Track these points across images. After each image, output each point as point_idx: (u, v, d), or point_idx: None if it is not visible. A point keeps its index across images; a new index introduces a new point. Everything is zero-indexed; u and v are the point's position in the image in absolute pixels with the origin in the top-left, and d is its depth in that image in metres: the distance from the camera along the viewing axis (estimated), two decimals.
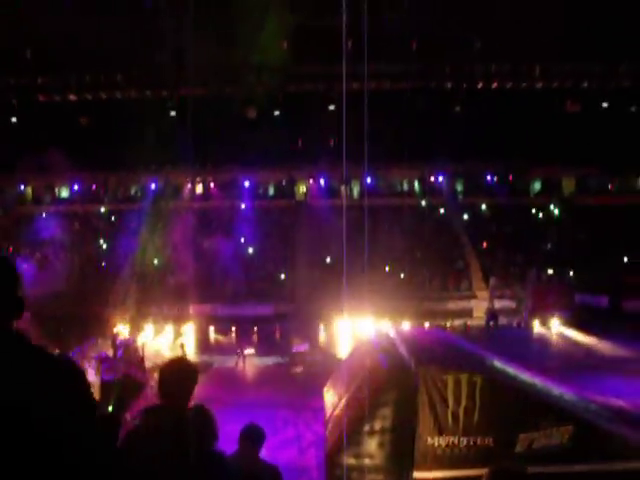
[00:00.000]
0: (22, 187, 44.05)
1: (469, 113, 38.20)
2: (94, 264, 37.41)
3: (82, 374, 2.50)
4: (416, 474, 11.02)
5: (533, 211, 41.62)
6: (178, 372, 3.81)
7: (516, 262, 36.40)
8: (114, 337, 25.81)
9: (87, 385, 2.44)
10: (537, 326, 28.64)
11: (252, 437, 6.06)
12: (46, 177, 42.83)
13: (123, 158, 36.68)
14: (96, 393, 15.67)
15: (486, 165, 42.35)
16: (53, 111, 36.75)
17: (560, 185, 44.09)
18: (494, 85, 38.84)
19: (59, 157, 37.19)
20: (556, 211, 41.53)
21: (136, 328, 27.18)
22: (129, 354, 23.06)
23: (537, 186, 44.67)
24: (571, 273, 33.75)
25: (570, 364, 20.19)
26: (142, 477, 3.06)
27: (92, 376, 16.72)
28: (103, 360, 21.07)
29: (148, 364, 22.48)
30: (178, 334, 27.72)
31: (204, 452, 3.68)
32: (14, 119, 37.76)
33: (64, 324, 28.89)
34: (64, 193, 44.89)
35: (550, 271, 34.11)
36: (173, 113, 37.06)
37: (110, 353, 23.57)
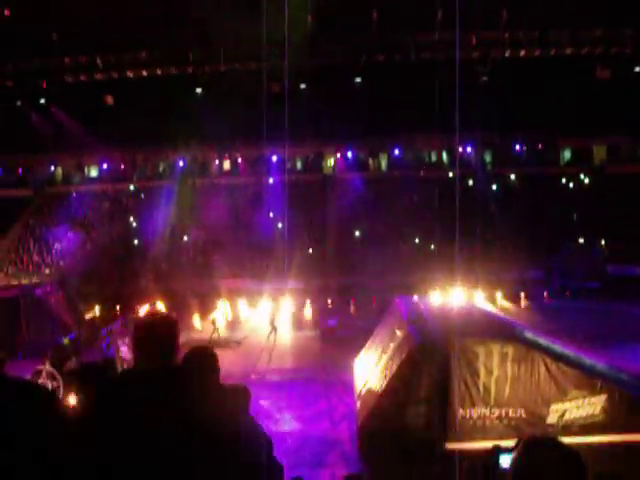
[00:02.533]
0: (52, 167, 44.52)
1: (497, 82, 37.66)
2: (124, 242, 37.79)
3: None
4: (448, 445, 11.10)
5: (563, 181, 41.11)
6: (158, 326, 3.12)
7: (546, 233, 36.08)
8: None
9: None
10: (567, 296, 28.46)
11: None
12: (75, 157, 43.23)
13: (150, 136, 36.83)
14: None
15: (515, 135, 41.85)
16: (80, 91, 36.92)
17: (591, 154, 43.43)
18: (522, 53, 38.15)
19: (88, 137, 37.52)
20: (587, 180, 40.99)
21: (168, 304, 27.47)
22: None
23: (567, 155, 44.07)
24: (602, 243, 33.38)
25: (602, 334, 20.05)
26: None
27: (126, 353, 16.96)
28: None
29: (181, 340, 22.74)
30: (210, 310, 27.97)
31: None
32: (42, 100, 38.00)
33: (98, 302, 29.43)
34: (93, 172, 45.29)
35: (581, 241, 33.77)
36: (199, 90, 37.01)
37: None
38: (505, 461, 7.53)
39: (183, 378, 2.98)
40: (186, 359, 3.88)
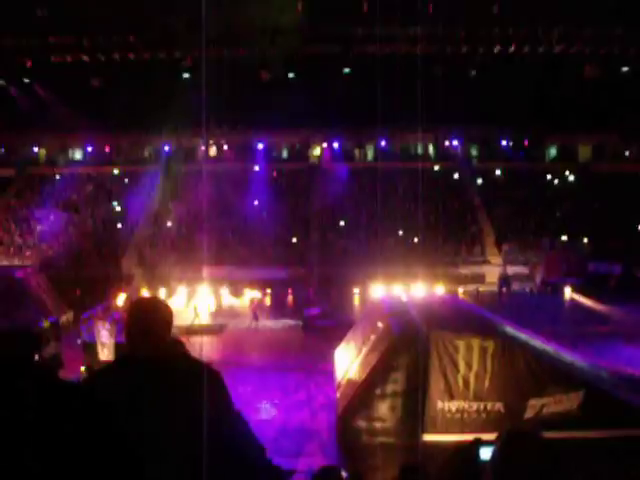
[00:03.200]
0: (35, 148, 44.08)
1: (485, 77, 37.70)
2: (107, 226, 37.56)
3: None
4: (426, 437, 11.12)
5: (548, 177, 41.30)
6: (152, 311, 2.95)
7: (530, 228, 36.27)
8: (128, 299, 25.99)
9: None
10: (549, 293, 28.62)
11: None
12: (60, 139, 42.86)
13: (136, 120, 36.62)
14: (111, 354, 15.86)
15: (501, 130, 41.99)
16: (66, 72, 36.56)
17: (576, 151, 43.69)
18: (511, 49, 38.17)
19: (73, 119, 37.19)
20: (571, 177, 41.20)
21: (150, 290, 27.34)
22: None
23: (553, 152, 44.29)
24: (585, 240, 33.58)
25: (582, 331, 20.17)
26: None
27: (106, 338, 16.83)
28: (117, 322, 21.24)
29: None
30: (192, 296, 27.86)
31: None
32: (27, 80, 37.63)
33: (79, 286, 29.21)
34: (77, 155, 44.94)
35: (564, 238, 33.96)
36: (186, 75, 36.78)
37: (124, 315, 23.75)
38: (485, 454, 7.55)
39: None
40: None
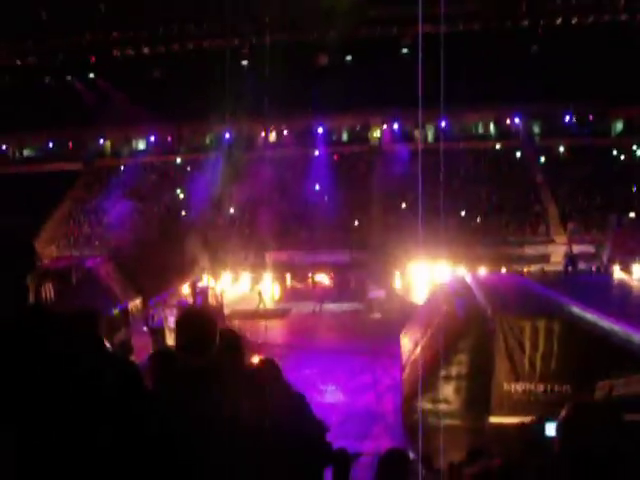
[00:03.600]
0: (101, 141, 45.20)
1: (547, 51, 36.83)
2: (172, 213, 38.28)
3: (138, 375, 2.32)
4: (492, 419, 11.11)
5: (614, 152, 40.15)
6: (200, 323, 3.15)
7: (596, 206, 35.45)
8: (193, 285, 26.49)
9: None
10: (617, 271, 27.96)
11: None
12: (124, 131, 43.80)
13: (197, 109, 37.07)
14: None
15: (565, 105, 40.95)
16: (128, 65, 37.31)
17: None
18: (574, 20, 37.16)
19: (136, 110, 37.92)
20: (639, 152, 40.01)
21: (215, 276, 27.80)
22: (208, 301, 23.68)
23: (619, 126, 43.01)
24: None
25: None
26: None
27: (173, 323, 17.24)
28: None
29: (227, 311, 23.11)
30: (256, 281, 28.22)
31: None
32: (92, 75, 38.54)
33: (146, 273, 29.85)
34: (141, 145, 45.85)
35: (632, 215, 33.10)
36: (245, 62, 37.07)
37: (190, 300, 24.25)
38: (550, 430, 7.55)
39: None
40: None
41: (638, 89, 36.20)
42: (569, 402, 2.42)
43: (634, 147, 40.07)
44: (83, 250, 34.53)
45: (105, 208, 38.47)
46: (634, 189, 36.22)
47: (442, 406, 11.69)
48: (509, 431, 9.91)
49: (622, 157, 39.95)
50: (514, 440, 9.52)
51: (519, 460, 4.55)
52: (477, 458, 5.85)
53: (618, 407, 2.27)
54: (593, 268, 29.85)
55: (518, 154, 41.09)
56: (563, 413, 2.35)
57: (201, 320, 3.16)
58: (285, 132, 44.14)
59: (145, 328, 19.14)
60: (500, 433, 10.08)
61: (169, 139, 45.14)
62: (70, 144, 45.18)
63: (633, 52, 35.70)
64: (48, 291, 19.19)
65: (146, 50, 37.64)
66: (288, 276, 30.09)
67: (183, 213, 38.07)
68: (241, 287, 28.47)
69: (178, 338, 3.16)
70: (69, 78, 38.48)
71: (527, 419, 9.94)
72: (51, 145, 45.23)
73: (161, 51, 37.68)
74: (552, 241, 33.70)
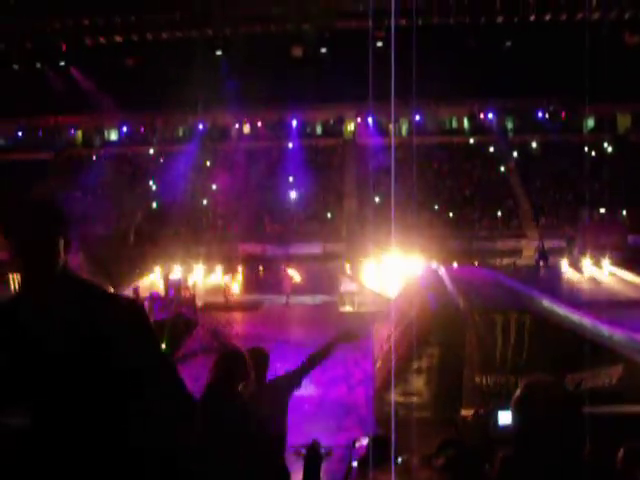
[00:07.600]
0: (72, 130, 44.61)
1: (521, 47, 37.03)
2: (144, 205, 37.92)
3: (144, 311, 2.68)
4: (463, 412, 11.15)
5: (586, 149, 40.49)
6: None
7: (567, 201, 35.79)
8: (166, 277, 26.31)
9: (149, 321, 2.60)
10: (588, 266, 28.23)
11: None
12: (95, 120, 43.27)
13: (170, 99, 36.71)
14: None
15: (537, 101, 41.28)
16: (99, 54, 36.83)
17: (615, 122, 42.79)
18: (548, 17, 37.35)
19: (107, 100, 37.49)
20: (610, 148, 40.42)
21: (187, 268, 27.63)
22: (180, 293, 23.55)
23: (591, 123, 43.41)
24: (624, 212, 33.03)
25: (621, 304, 19.94)
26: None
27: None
28: (155, 300, 21.56)
29: (199, 303, 22.97)
30: (227, 273, 28.08)
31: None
32: (63, 62, 37.96)
33: (116, 264, 29.57)
34: (113, 135, 45.36)
35: (602, 210, 33.44)
36: (219, 52, 36.78)
37: (162, 293, 24.08)
38: (503, 418, 7.66)
39: None
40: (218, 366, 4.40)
41: (610, 87, 36.56)
42: (522, 381, 2.52)
43: (605, 144, 40.47)
44: None
45: (76, 198, 37.98)
46: (604, 185, 36.57)
47: (414, 398, 11.72)
48: (469, 422, 10.00)
49: (593, 153, 40.32)
50: (473, 430, 9.60)
51: (481, 450, 4.64)
52: (447, 450, 5.85)
53: (563, 381, 2.36)
54: (565, 263, 29.90)
55: (491, 149, 41.32)
56: (517, 392, 2.47)
57: (235, 362, 4.47)
58: (259, 124, 43.92)
59: None
60: (465, 424, 10.16)
61: (142, 130, 44.69)
62: (40, 133, 44.51)
63: (605, 50, 36.01)
64: (17, 282, 18.91)
65: (118, 38, 37.14)
66: (260, 268, 29.98)
67: (155, 205, 37.71)
68: (213, 279, 28.30)
69: (213, 378, 4.38)
70: (39, 65, 37.83)
71: (481, 410, 10.01)
72: (20, 134, 44.50)
73: (134, 40, 37.21)
74: (524, 235, 33.98)
